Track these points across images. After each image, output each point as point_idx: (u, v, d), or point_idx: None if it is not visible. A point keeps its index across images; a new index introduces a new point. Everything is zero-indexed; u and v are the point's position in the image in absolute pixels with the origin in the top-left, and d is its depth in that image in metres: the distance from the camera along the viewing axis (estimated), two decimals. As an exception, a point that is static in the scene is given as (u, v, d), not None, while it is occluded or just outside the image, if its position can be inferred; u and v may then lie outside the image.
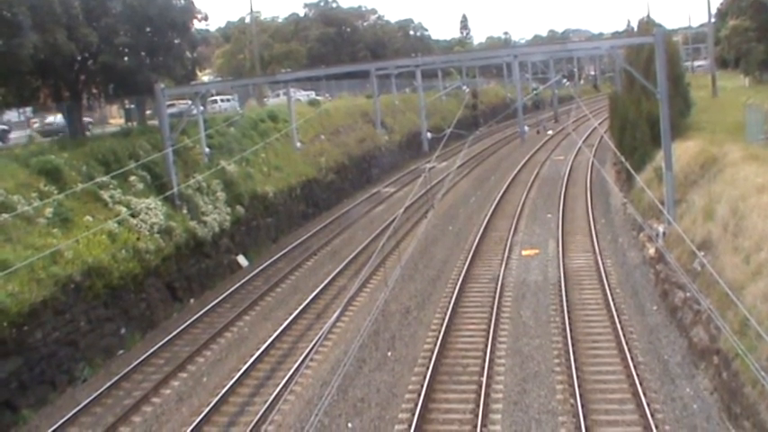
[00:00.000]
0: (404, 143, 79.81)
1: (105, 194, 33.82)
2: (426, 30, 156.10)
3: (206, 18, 47.40)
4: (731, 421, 20.59)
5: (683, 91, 49.70)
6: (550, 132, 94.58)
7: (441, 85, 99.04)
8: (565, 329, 27.96)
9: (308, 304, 33.76)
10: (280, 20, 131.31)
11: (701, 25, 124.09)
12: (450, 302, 31.96)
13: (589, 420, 21.33)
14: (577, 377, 23.87)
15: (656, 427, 20.47)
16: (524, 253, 39.77)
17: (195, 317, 33.28)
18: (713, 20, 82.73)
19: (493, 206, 51.73)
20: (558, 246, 39.88)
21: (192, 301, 36.32)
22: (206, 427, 23.26)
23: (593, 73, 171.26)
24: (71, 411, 24.57)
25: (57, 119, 48.77)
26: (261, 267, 40.68)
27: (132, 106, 50.33)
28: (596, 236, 41.25)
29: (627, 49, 50.77)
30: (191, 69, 47.46)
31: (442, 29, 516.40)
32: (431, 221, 45.30)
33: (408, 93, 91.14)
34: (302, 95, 77.35)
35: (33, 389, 25.41)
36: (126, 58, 41.69)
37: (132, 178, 36.10)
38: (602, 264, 35.86)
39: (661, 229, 33.68)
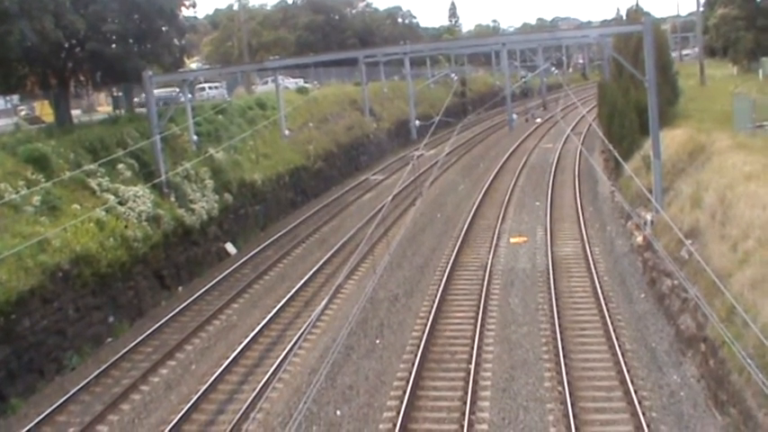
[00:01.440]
0: (392, 131, 79.79)
1: (93, 182, 33.69)
2: (415, 17, 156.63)
3: (194, 5, 47.21)
4: (717, 408, 20.73)
5: (671, 79, 49.85)
6: (539, 120, 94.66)
7: (429, 73, 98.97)
8: (553, 317, 28.04)
9: (296, 292, 33.75)
10: (268, 7, 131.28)
11: (690, 14, 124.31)
12: (438, 290, 32.01)
13: (577, 408, 21.42)
14: (565, 365, 23.97)
15: (644, 415, 20.57)
16: (512, 241, 39.85)
17: (183, 305, 33.26)
18: (702, 9, 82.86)
19: (481, 194, 51.80)
20: (546, 233, 39.97)
21: (180, 288, 36.28)
22: (195, 414, 23.27)
23: (581, 61, 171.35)
24: (59, 400, 24.53)
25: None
26: (249, 255, 40.64)
27: (120, 94, 50.10)
28: (584, 224, 41.35)
29: (615, 37, 50.90)
30: (178, 57, 47.28)
31: (430, 16, 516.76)
32: (419, 209, 45.31)
33: (397, 80, 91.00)
34: (290, 83, 77.24)
35: (21, 377, 25.35)
36: (113, 46, 41.47)
37: (120, 166, 35.96)
38: (590, 251, 35.96)
39: (649, 217, 33.80)
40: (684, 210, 29.76)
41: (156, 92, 45.87)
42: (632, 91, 44.82)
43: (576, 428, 20.17)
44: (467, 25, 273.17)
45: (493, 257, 36.63)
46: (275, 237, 44.43)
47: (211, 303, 33.63)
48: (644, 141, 40.02)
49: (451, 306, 30.86)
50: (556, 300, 29.78)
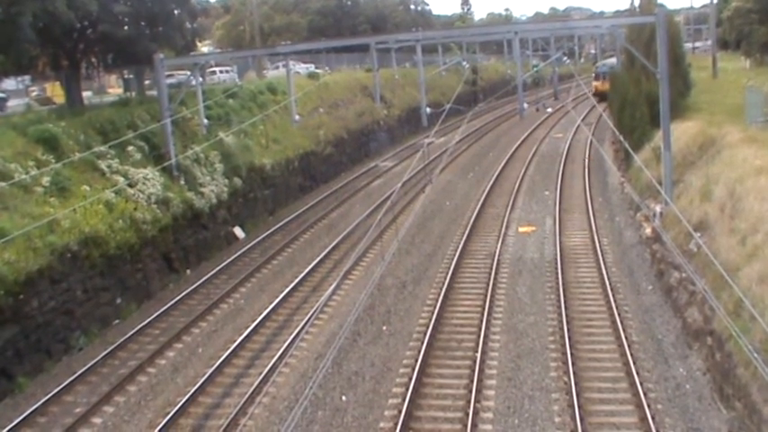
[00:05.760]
0: (403, 118, 79.69)
1: (103, 164, 33.76)
2: (427, 4, 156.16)
3: (207, -11, 47.39)
4: (723, 402, 20.72)
5: (683, 71, 49.61)
6: (550, 110, 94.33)
7: (441, 61, 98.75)
8: (560, 307, 28.04)
9: (304, 277, 33.81)
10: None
11: (704, 6, 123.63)
12: (446, 278, 32.02)
13: (582, 398, 21.44)
14: (571, 355, 23.98)
15: (649, 407, 20.57)
16: (521, 230, 39.81)
17: (191, 288, 33.36)
18: (715, 1, 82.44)
19: (491, 182, 51.74)
20: (554, 223, 39.90)
21: (188, 271, 36.37)
22: (201, 397, 23.37)
23: (593, 51, 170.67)
24: (67, 380, 24.68)
25: None
26: (257, 239, 40.71)
27: (131, 76, 50.14)
28: (593, 214, 41.26)
29: (628, 28, 50.63)
30: (190, 40, 47.27)
31: (442, 4, 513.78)
32: (428, 196, 45.28)
33: (408, 67, 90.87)
34: (301, 68, 77.11)
35: (29, 357, 25.48)
36: (125, 28, 41.48)
37: (130, 148, 36.00)
38: (599, 242, 35.90)
39: (658, 208, 33.74)
40: (694, 202, 29.71)
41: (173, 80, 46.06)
42: (644, 82, 44.66)
43: (581, 419, 20.19)
44: (479, 13, 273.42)
45: (501, 246, 36.60)
46: (284, 221, 44.47)
47: (219, 287, 33.71)
48: (654, 133, 39.91)
49: (459, 294, 30.87)
50: (563, 290, 29.77)
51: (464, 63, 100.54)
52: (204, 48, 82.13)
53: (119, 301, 31.02)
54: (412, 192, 49.34)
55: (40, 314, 26.31)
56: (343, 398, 22.84)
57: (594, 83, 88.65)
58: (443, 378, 23.67)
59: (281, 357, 25.15)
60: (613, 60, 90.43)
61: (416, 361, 24.21)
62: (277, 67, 77.97)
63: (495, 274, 32.61)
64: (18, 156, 30.19)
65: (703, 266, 24.61)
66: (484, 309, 28.37)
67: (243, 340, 27.18)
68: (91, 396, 23.89)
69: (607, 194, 46.68)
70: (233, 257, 37.62)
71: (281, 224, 43.90)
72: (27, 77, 47.78)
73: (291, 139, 53.50)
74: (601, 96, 70.74)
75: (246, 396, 22.81)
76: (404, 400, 21.75)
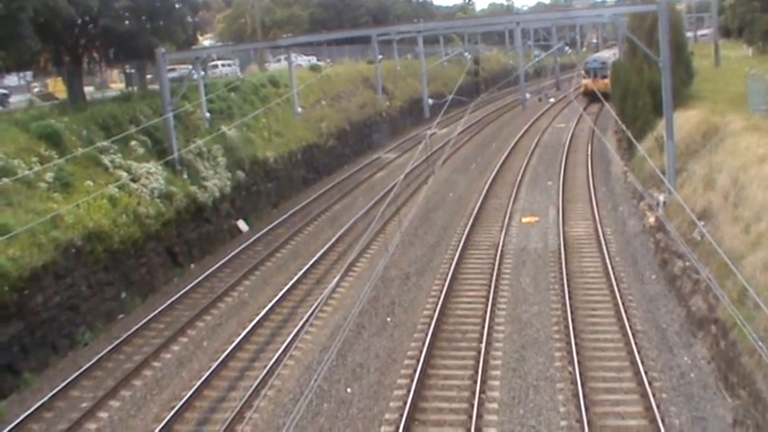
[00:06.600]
0: (405, 109, 79.60)
1: (106, 159, 33.77)
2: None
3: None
4: (728, 390, 20.74)
5: (685, 60, 49.46)
6: (552, 100, 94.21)
7: (442, 52, 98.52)
8: (564, 297, 28.04)
9: (307, 269, 33.82)
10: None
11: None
12: (449, 269, 32.03)
13: (587, 388, 21.46)
14: (576, 345, 23.99)
15: (654, 396, 20.60)
16: (524, 220, 39.80)
17: (195, 281, 33.38)
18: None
19: (493, 173, 51.70)
20: (558, 213, 39.89)
21: (192, 265, 36.39)
22: (206, 391, 23.41)
23: (595, 41, 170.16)
24: (72, 375, 24.73)
25: None
26: (261, 232, 40.70)
27: (133, 71, 50.11)
28: (596, 204, 41.24)
29: (630, 16, 50.45)
30: (191, 34, 47.26)
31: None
32: (431, 188, 45.27)
33: (410, 58, 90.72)
34: (303, 61, 77.01)
35: (35, 352, 25.52)
36: (126, 22, 41.51)
37: (133, 143, 36.02)
38: (602, 232, 35.89)
39: (661, 198, 33.70)
40: (697, 191, 29.68)
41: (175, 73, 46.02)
42: (646, 71, 44.59)
43: (585, 409, 20.21)
44: (480, 3, 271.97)
45: (505, 237, 36.60)
46: (287, 214, 44.48)
47: (223, 280, 33.74)
48: (657, 122, 39.83)
49: (463, 285, 30.89)
50: (567, 280, 29.78)
51: (466, 54, 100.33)
52: (206, 41, 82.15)
53: (123, 295, 31.06)
54: (415, 183, 49.32)
55: (45, 310, 26.35)
56: (349, 390, 22.87)
57: (584, 81, 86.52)
58: (448, 369, 23.69)
59: (285, 350, 25.18)
60: (606, 54, 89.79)
61: (421, 352, 24.24)
62: (279, 60, 77.88)
63: (499, 264, 32.62)
64: (21, 152, 30.22)
65: (707, 255, 24.60)
66: (488, 299, 28.41)
67: (247, 333, 27.22)
68: (96, 391, 23.94)
69: (610, 184, 46.64)
70: (237, 251, 37.63)
71: (284, 217, 43.92)
72: (29, 73, 47.81)
73: (294, 132, 53.49)
74: (592, 97, 69.31)
75: (252, 389, 22.84)
76: (409, 392, 21.79)
